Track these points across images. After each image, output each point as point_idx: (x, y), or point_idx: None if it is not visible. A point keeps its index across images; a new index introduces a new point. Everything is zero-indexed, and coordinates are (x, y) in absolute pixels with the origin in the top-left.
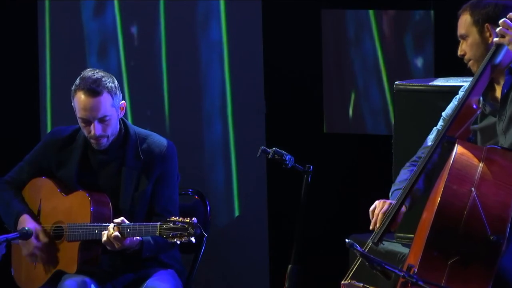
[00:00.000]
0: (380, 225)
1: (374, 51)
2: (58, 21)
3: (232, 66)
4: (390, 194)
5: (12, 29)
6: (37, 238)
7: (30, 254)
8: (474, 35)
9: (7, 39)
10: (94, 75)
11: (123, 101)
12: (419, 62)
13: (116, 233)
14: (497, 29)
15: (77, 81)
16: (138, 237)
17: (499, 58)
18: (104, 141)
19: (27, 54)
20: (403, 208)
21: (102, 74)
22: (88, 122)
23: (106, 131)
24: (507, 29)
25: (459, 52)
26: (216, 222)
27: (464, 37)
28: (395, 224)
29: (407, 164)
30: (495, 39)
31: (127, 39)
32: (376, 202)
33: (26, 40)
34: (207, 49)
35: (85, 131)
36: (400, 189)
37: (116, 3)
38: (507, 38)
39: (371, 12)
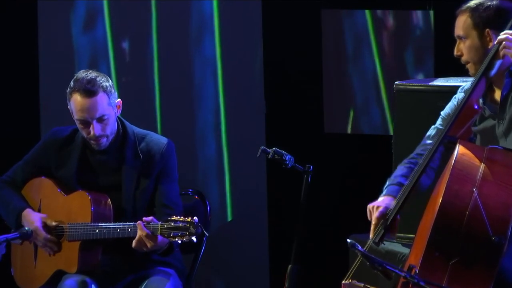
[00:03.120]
0: (377, 228)
1: (373, 61)
2: (47, 34)
3: (230, 69)
4: (384, 188)
5: (12, 29)
6: (44, 225)
7: (45, 246)
8: (473, 39)
9: (7, 39)
10: (88, 76)
11: (119, 99)
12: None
13: (147, 231)
14: (501, 37)
15: (71, 83)
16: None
17: (497, 65)
18: (104, 141)
19: (27, 54)
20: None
21: (96, 74)
22: (86, 123)
23: (105, 130)
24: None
25: (456, 52)
26: (216, 222)
27: (462, 38)
28: (393, 230)
29: (405, 160)
30: (503, 51)
31: (118, 54)
32: (369, 207)
33: (26, 40)
34: (201, 62)
35: (84, 133)
36: (394, 184)
37: (107, 16)
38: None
39: (370, 25)
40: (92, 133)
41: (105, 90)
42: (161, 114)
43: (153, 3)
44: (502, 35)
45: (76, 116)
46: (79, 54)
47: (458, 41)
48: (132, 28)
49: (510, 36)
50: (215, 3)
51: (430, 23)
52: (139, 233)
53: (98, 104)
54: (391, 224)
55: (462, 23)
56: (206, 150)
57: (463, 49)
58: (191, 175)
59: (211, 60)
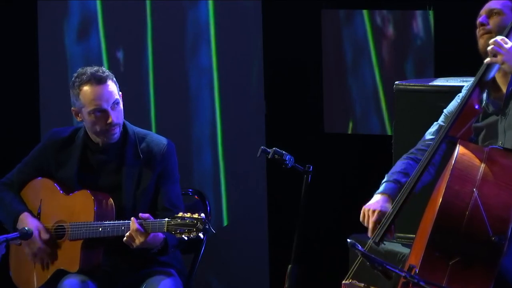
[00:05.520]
0: (376, 230)
1: (372, 63)
2: (44, 38)
3: (229, 69)
4: (381, 183)
5: (12, 29)
6: (39, 236)
7: (33, 254)
8: (509, 18)
9: (7, 39)
10: (92, 68)
11: (120, 92)
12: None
13: (138, 226)
14: (489, 48)
15: (76, 79)
16: (160, 234)
17: (491, 74)
18: (117, 130)
19: (27, 54)
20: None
21: (96, 66)
22: (103, 112)
23: (119, 118)
24: (499, 48)
25: (482, 20)
26: (216, 222)
27: (495, 13)
28: (391, 233)
29: (404, 156)
30: (487, 59)
31: (112, 64)
32: (364, 209)
33: (26, 40)
34: (199, 65)
35: (99, 125)
36: (390, 181)
37: (101, 25)
38: (499, 57)
39: (369, 27)
40: (110, 120)
41: (112, 78)
42: (156, 125)
43: (148, 12)
44: (490, 43)
45: (90, 107)
46: (72, 64)
47: (486, 15)
48: (126, 37)
49: (496, 45)
50: (211, 10)
51: (430, 27)
52: (131, 227)
53: (111, 89)
54: (389, 226)
55: (500, 2)
56: (204, 151)
57: (491, 21)
58: (190, 180)
59: (209, 62)
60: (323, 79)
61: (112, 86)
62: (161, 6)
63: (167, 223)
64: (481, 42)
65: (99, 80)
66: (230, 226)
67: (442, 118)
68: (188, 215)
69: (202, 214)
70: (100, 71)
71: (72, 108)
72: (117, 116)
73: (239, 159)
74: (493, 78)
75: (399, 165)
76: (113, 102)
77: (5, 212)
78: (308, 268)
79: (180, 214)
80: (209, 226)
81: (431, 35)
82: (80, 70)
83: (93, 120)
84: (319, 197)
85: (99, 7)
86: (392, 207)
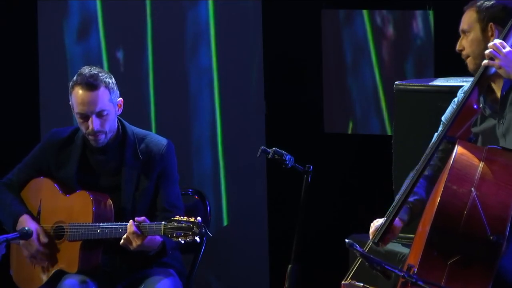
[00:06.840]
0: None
1: (372, 62)
2: (40, 43)
3: (229, 69)
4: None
5: (12, 29)
6: (37, 239)
7: (31, 256)
8: (476, 32)
9: (7, 39)
10: (92, 71)
11: (120, 98)
12: None
13: (135, 229)
14: (486, 52)
15: (74, 77)
16: (158, 237)
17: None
18: (102, 137)
19: (27, 54)
20: (400, 223)
21: (99, 70)
22: (86, 117)
23: (104, 126)
24: (497, 53)
25: (458, 47)
26: (216, 222)
27: (466, 32)
28: (387, 239)
29: (410, 174)
30: (484, 62)
31: (112, 64)
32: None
33: (26, 40)
34: (199, 64)
35: (83, 128)
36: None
37: (101, 25)
38: (497, 62)
39: (369, 27)
40: (90, 127)
41: (107, 86)
42: (156, 123)
43: (148, 12)
44: (489, 46)
45: (76, 109)
46: (72, 64)
47: (461, 36)
48: (126, 37)
49: (494, 49)
50: (211, 10)
51: (430, 27)
52: (128, 230)
53: (99, 98)
54: (388, 227)
55: (467, 18)
56: (204, 151)
57: (465, 43)
58: (190, 180)
59: (209, 62)
60: (323, 79)
61: (103, 95)
62: (161, 6)
63: (164, 226)
64: (467, 63)
65: (89, 87)
66: (230, 226)
67: (441, 127)
68: (185, 218)
69: (199, 218)
70: (95, 77)
71: (69, 102)
72: (102, 124)
73: (239, 159)
74: (488, 82)
75: (404, 185)
76: (98, 111)
77: (6, 213)
78: (308, 268)
79: (177, 218)
80: (205, 230)
81: (431, 35)
82: (82, 69)
83: (79, 121)
84: (319, 197)
85: (99, 7)
86: (391, 209)
